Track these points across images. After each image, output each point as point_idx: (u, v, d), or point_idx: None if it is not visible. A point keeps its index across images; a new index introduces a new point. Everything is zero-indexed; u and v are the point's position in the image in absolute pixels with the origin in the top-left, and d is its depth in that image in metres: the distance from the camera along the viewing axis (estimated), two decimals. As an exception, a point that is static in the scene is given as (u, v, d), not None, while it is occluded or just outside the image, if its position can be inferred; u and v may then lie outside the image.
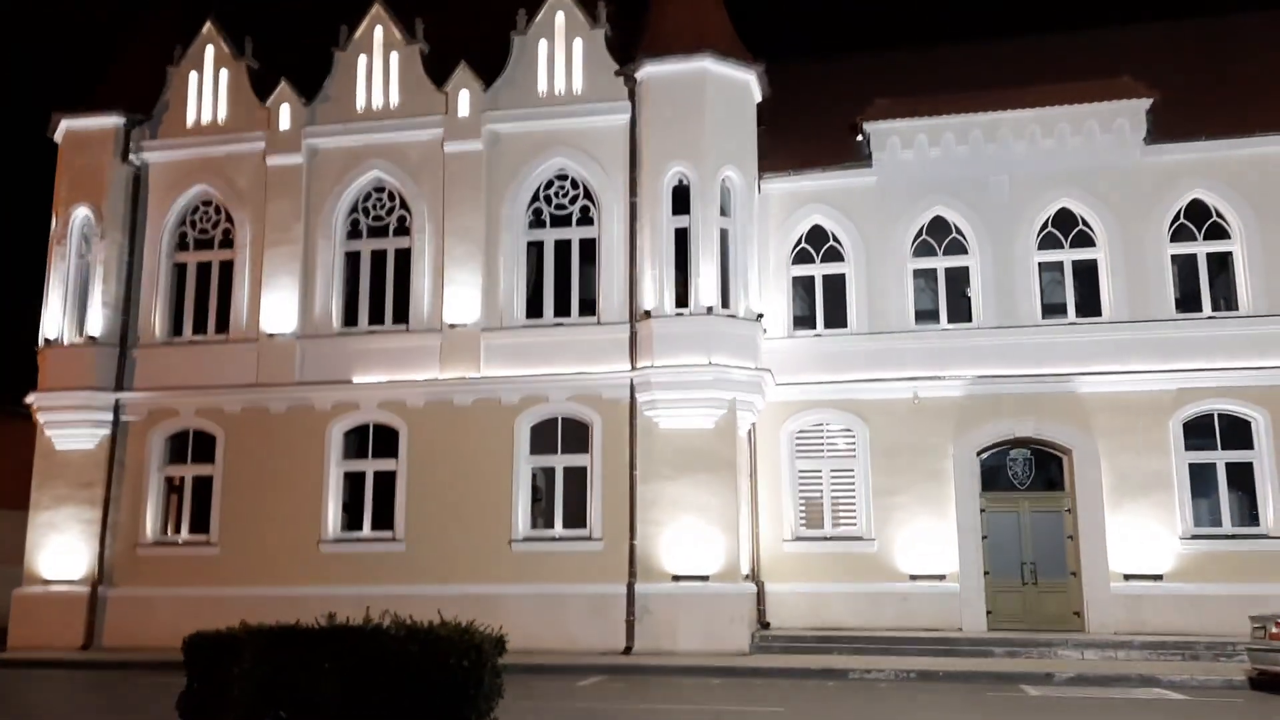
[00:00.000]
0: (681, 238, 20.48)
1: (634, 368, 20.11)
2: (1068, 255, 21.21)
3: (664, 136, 20.55)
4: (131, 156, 22.77)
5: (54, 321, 22.25)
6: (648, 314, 20.07)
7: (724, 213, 20.52)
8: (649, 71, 20.77)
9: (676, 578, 19.41)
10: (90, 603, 21.25)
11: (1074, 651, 18.18)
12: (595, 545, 19.88)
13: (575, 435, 20.55)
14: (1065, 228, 21.27)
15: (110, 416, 21.86)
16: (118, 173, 22.68)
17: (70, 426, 21.83)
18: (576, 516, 20.28)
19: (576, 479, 20.44)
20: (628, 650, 19.12)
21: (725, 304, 20.12)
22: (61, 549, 21.61)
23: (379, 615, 7.77)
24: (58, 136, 23.36)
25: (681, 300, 20.20)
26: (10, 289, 36.85)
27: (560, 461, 20.51)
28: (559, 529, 20.29)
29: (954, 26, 51.15)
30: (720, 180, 20.46)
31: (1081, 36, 23.50)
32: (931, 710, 12.92)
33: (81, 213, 22.57)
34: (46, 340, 22.18)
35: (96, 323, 22.04)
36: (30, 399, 22.13)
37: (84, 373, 21.80)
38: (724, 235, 20.44)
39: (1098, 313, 20.88)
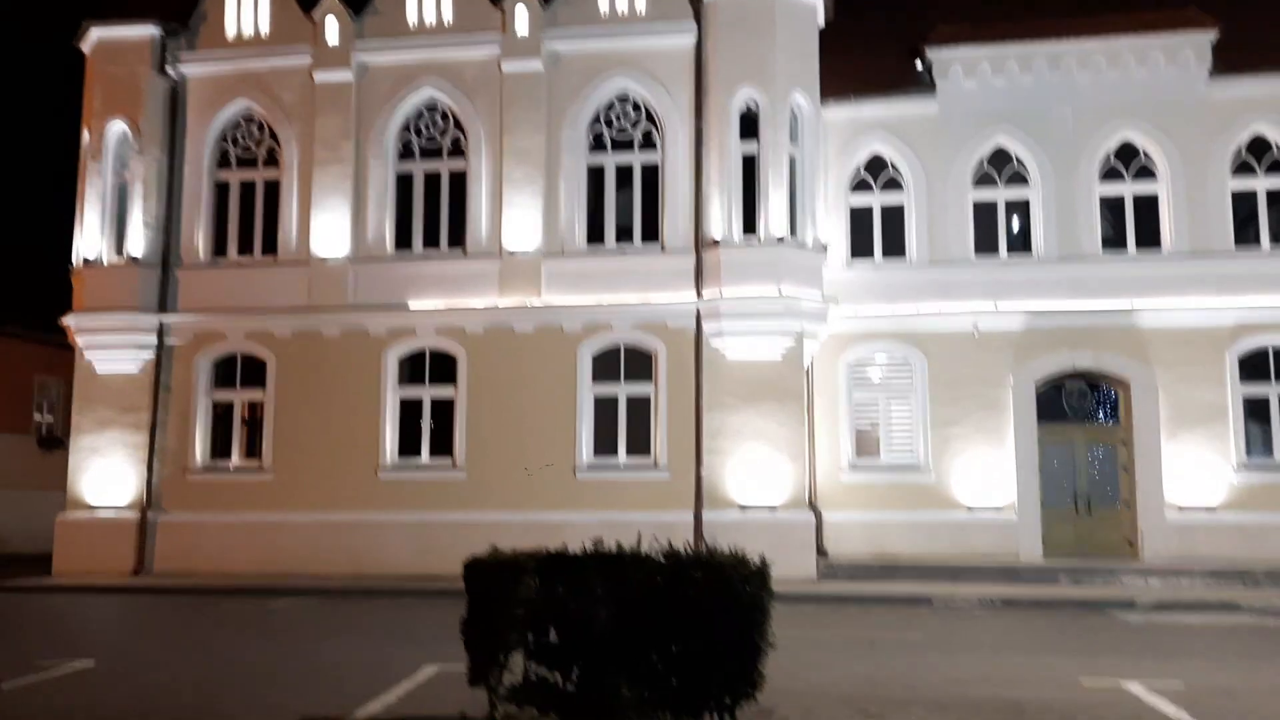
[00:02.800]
0: (748, 164, 20.16)
1: (700, 296, 19.91)
2: (1129, 188, 21.19)
3: (732, 59, 20.10)
4: (168, 69, 21.88)
5: (91, 241, 21.51)
6: (715, 242, 19.82)
7: (792, 139, 20.20)
8: (717, -9, 20.23)
9: (744, 507, 19.46)
10: (140, 528, 20.90)
11: (1137, 579, 18.55)
12: (661, 474, 19.85)
13: (638, 364, 20.38)
14: (1127, 160, 21.21)
15: (154, 340, 21.30)
16: (155, 85, 21.80)
17: (113, 349, 21.25)
18: (641, 445, 20.20)
19: (640, 408, 20.32)
20: (696, 577, 19.18)
21: (793, 233, 19.91)
22: (106, 474, 21.18)
23: (634, 541, 7.62)
24: (86, 46, 22.36)
25: (748, 228, 19.96)
26: (16, 205, 35.53)
27: (623, 390, 20.36)
28: (623, 457, 20.20)
29: None
30: (790, 106, 20.11)
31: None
32: (1062, 635, 13.19)
33: (118, 127, 21.71)
34: (85, 260, 21.45)
35: (138, 242, 21.34)
36: (68, 320, 21.47)
37: (126, 294, 21.17)
38: (792, 162, 20.15)
39: (1157, 245, 20.94)
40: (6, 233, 35.95)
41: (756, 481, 19.45)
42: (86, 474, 21.25)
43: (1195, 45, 20.91)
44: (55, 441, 34.00)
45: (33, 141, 39.10)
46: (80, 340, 21.44)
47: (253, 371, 21.35)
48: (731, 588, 6.82)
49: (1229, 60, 20.82)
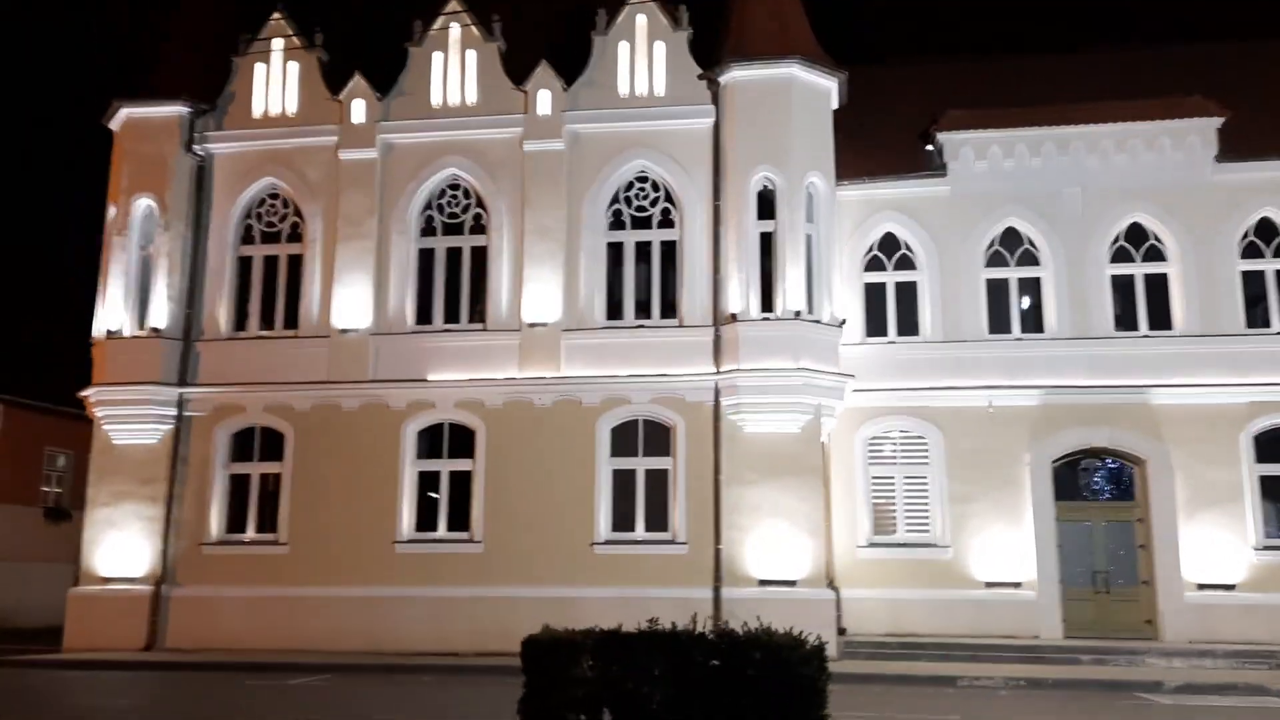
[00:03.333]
0: (765, 242, 20.50)
1: (719, 370, 20.08)
2: (1139, 269, 21.52)
3: (750, 141, 20.57)
4: (196, 147, 22.31)
5: (114, 313, 21.72)
6: (733, 317, 20.06)
7: (808, 218, 20.57)
8: (735, 76, 20.78)
9: (763, 582, 19.39)
10: (153, 602, 20.75)
11: (1159, 660, 18.43)
12: (679, 548, 19.81)
13: (657, 437, 20.47)
14: (1137, 241, 21.58)
15: (174, 411, 21.38)
16: (182, 163, 22.22)
17: (132, 421, 21.31)
18: (658, 519, 20.19)
19: (658, 481, 20.35)
20: (715, 654, 19.02)
21: (810, 309, 20.16)
22: (121, 546, 21.09)
23: (677, 620, 7.65)
24: (114, 124, 22.83)
25: (766, 304, 20.21)
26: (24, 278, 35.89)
27: (641, 464, 20.40)
28: (641, 532, 20.17)
29: (1017, 39, 51.93)
30: (805, 186, 20.52)
31: (1151, 52, 23.86)
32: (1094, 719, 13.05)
33: (144, 203, 22.08)
34: (108, 332, 21.63)
35: (160, 315, 21.56)
36: (88, 392, 21.57)
37: (147, 366, 21.31)
38: (808, 241, 20.49)
39: (1169, 326, 21.19)
40: (17, 305, 36.29)
41: (775, 557, 19.41)
42: (101, 547, 21.15)
43: (1201, 132, 21.42)
44: (62, 513, 33.91)
45: (42, 217, 39.65)
46: (99, 412, 21.51)
47: (271, 444, 21.40)
48: (790, 669, 6.84)
49: (1235, 146, 21.32)
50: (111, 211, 22.43)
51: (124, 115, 22.51)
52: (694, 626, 7.27)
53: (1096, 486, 21.31)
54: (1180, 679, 16.43)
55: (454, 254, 21.66)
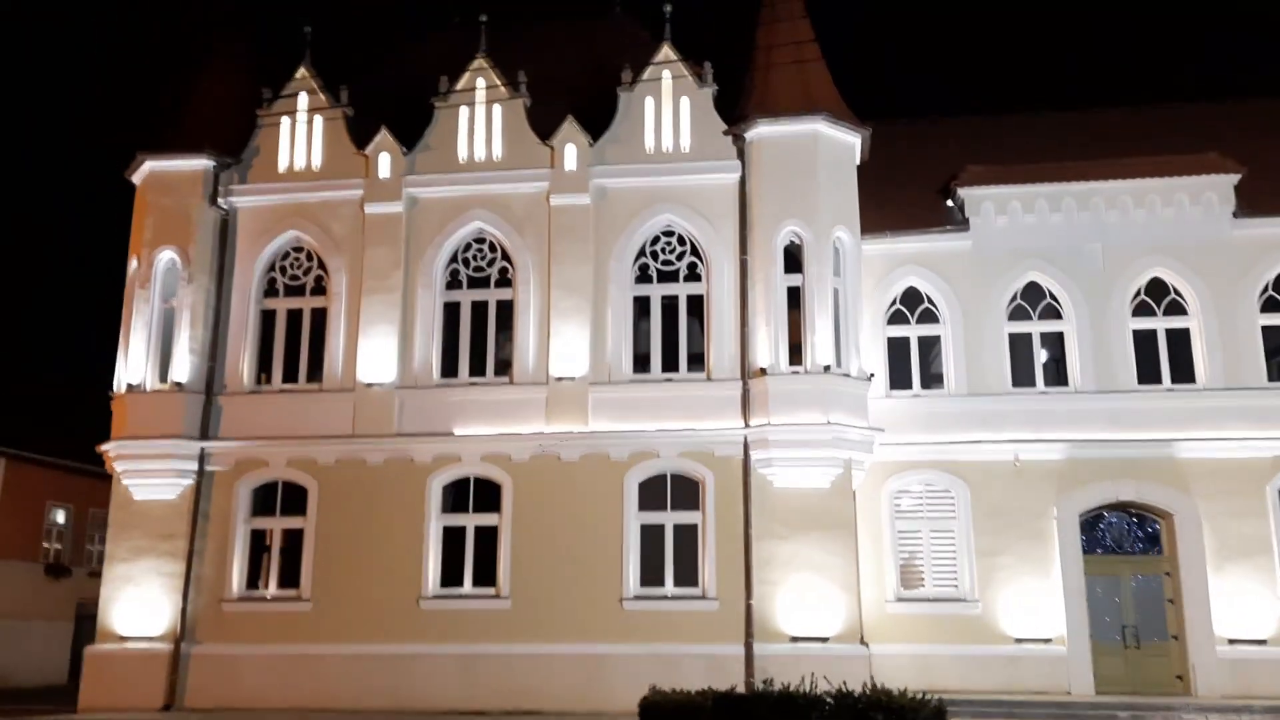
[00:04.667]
0: (792, 296, 20.58)
1: (748, 424, 20.05)
2: (1161, 323, 21.68)
3: (777, 196, 20.74)
4: (220, 200, 22.31)
5: (136, 367, 21.56)
6: (762, 371, 20.07)
7: (836, 272, 20.69)
8: (761, 131, 21.00)
9: (795, 639, 19.21)
10: (172, 660, 20.35)
11: (1196, 715, 18.25)
12: (710, 604, 19.62)
13: (685, 492, 20.36)
14: (1158, 296, 21.77)
15: (195, 466, 21.14)
16: (205, 216, 22.20)
17: (152, 476, 21.07)
18: (687, 575, 20.01)
19: (686, 536, 20.20)
20: (748, 713, 18.78)
21: (839, 363, 20.20)
22: (139, 603, 20.73)
23: (777, 679, 7.54)
24: (136, 177, 22.83)
25: (794, 358, 20.25)
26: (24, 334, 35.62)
27: (670, 518, 20.28)
28: (670, 587, 19.99)
29: (1032, 97, 53.05)
30: (832, 240, 20.67)
31: (1168, 110, 24.24)
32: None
33: (167, 256, 22.02)
34: (129, 385, 21.45)
35: (182, 369, 21.40)
36: (108, 447, 21.33)
37: (169, 420, 21.10)
38: (835, 295, 20.59)
39: (1192, 379, 21.33)
40: (16, 357, 36.03)
41: (808, 613, 19.26)
42: (118, 603, 20.78)
43: (1218, 188, 21.73)
44: (63, 569, 33.41)
45: (44, 268, 39.52)
46: (119, 466, 21.25)
47: (293, 499, 21.17)
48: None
49: (1252, 202, 21.63)
50: (133, 264, 22.35)
51: (147, 168, 22.51)
52: (805, 687, 7.16)
53: (1122, 539, 21.27)
54: (1224, 736, 16.31)
55: (480, 307, 21.64)
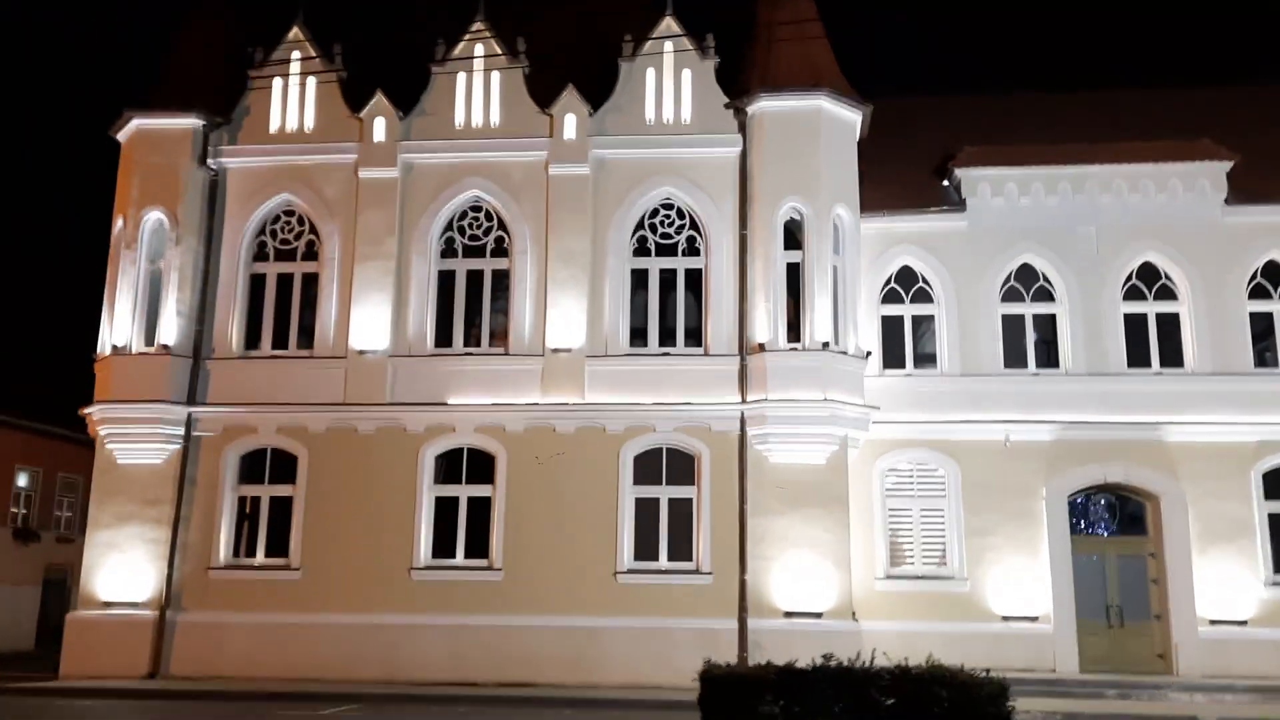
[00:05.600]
0: (791, 273, 20.54)
1: (745, 400, 20.02)
2: (1151, 307, 21.89)
3: (778, 171, 20.64)
4: (210, 161, 21.82)
5: (121, 329, 21.10)
6: (761, 347, 20.04)
7: (835, 250, 20.66)
8: (763, 106, 20.87)
9: (788, 614, 19.29)
10: (157, 628, 20.06)
11: (1181, 694, 18.62)
12: (704, 579, 19.64)
13: (680, 466, 20.32)
14: (1149, 280, 21.97)
15: (182, 431, 20.78)
16: (194, 176, 21.71)
17: (138, 440, 20.68)
18: (682, 549, 20.01)
19: (681, 510, 20.18)
20: (741, 686, 18.87)
21: (837, 340, 20.20)
22: (123, 569, 20.39)
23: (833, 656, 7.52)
24: (122, 135, 22.28)
25: (792, 335, 20.23)
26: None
27: (665, 493, 20.24)
28: (664, 561, 19.98)
29: (1031, 77, 53.24)
30: (832, 217, 20.63)
31: (1163, 95, 24.35)
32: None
33: (154, 216, 21.52)
34: (114, 348, 20.99)
35: (170, 332, 20.97)
36: (92, 410, 20.90)
37: (156, 384, 20.69)
38: (835, 272, 20.57)
39: (1181, 364, 21.58)
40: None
41: (801, 588, 19.34)
42: (102, 570, 20.43)
43: (1211, 175, 21.92)
44: (31, 534, 32.81)
45: (16, 232, 38.65)
46: (102, 430, 20.84)
47: (283, 466, 20.88)
48: (979, 706, 6.74)
49: (1244, 190, 21.83)
50: (119, 224, 21.84)
51: (134, 126, 21.96)
52: (866, 663, 7.14)
53: (1107, 520, 21.55)
54: (1214, 714, 16.59)
55: (475, 276, 21.39)
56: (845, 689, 6.93)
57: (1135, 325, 21.97)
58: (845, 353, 20.18)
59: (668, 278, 21.12)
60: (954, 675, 7.04)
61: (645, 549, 20.10)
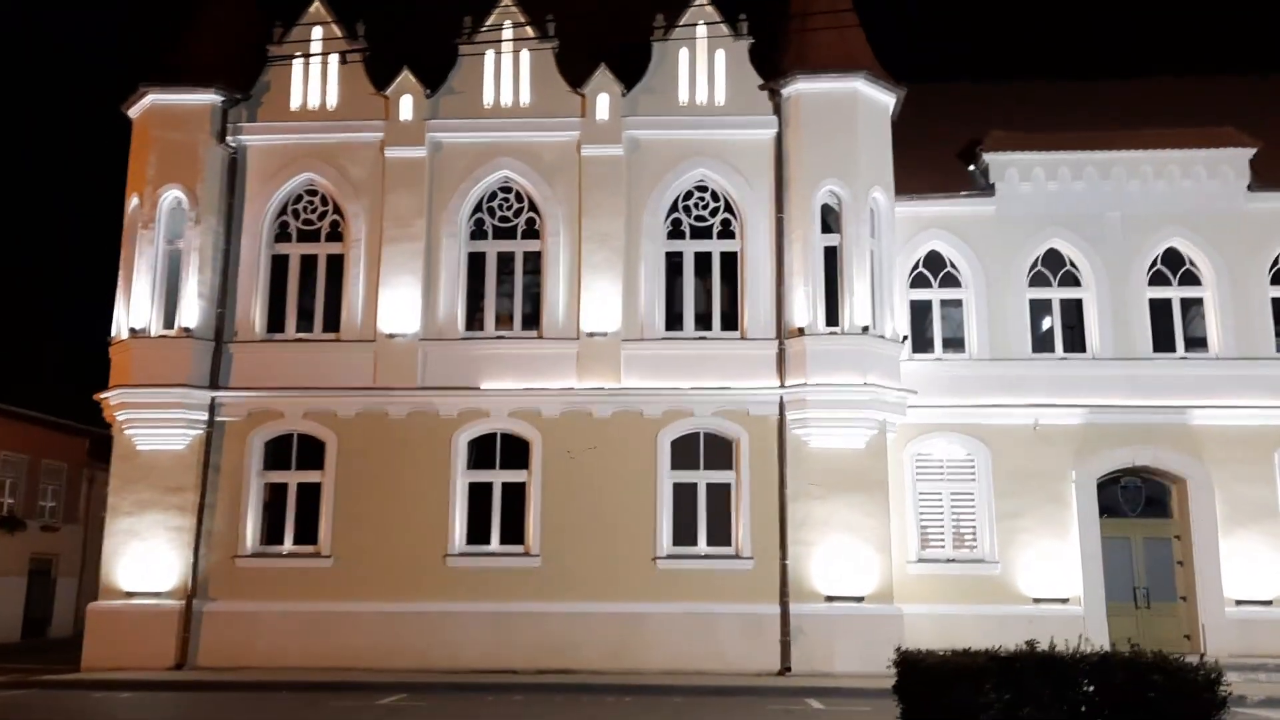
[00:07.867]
0: (829, 256, 20.43)
1: (783, 384, 19.90)
2: (1176, 292, 22.11)
3: (815, 154, 20.50)
4: (229, 138, 21.20)
5: (140, 311, 20.47)
6: (800, 331, 19.92)
7: (872, 233, 20.58)
8: (799, 88, 20.70)
9: (830, 598, 19.26)
10: (183, 617, 19.54)
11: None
12: (744, 564, 19.53)
13: (719, 451, 20.18)
14: (1174, 266, 22.17)
15: (205, 416, 20.23)
16: (213, 154, 21.09)
17: (159, 426, 20.10)
18: (721, 534, 19.88)
19: (719, 496, 20.04)
20: (785, 671, 18.85)
21: (874, 324, 20.15)
22: (146, 558, 19.84)
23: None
24: (135, 111, 21.58)
25: (830, 319, 20.14)
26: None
27: (703, 477, 20.08)
28: (704, 546, 19.83)
29: (1056, 63, 53.43)
30: (869, 201, 20.54)
31: (1188, 83, 24.54)
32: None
33: (172, 195, 20.88)
34: (132, 331, 20.36)
35: (191, 314, 20.38)
36: (109, 395, 20.27)
37: (177, 368, 20.11)
38: (872, 255, 20.50)
39: (1205, 348, 21.83)
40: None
41: (842, 572, 19.31)
42: (123, 559, 19.86)
43: (1233, 162, 22.15)
44: (16, 523, 31.87)
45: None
46: (120, 416, 20.22)
47: (310, 452, 20.41)
48: (1195, 692, 6.67)
49: (1267, 176, 22.09)
50: (134, 202, 21.17)
51: (149, 101, 21.26)
52: (1087, 648, 7.04)
53: (1134, 503, 21.77)
54: (1261, 693, 16.82)
55: (506, 259, 21.03)
56: (1049, 674, 6.79)
57: (1160, 310, 22.17)
58: (883, 336, 20.15)
59: (702, 261, 20.92)
60: (1167, 662, 6.92)
61: (684, 534, 19.93)
